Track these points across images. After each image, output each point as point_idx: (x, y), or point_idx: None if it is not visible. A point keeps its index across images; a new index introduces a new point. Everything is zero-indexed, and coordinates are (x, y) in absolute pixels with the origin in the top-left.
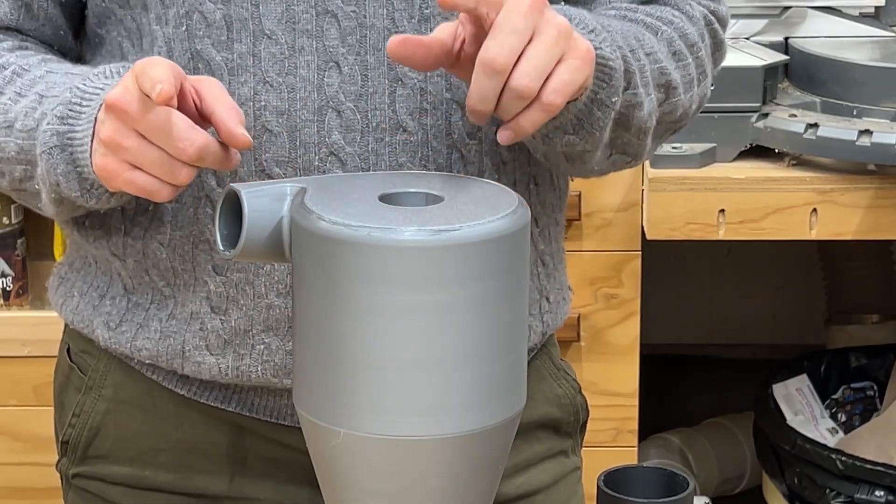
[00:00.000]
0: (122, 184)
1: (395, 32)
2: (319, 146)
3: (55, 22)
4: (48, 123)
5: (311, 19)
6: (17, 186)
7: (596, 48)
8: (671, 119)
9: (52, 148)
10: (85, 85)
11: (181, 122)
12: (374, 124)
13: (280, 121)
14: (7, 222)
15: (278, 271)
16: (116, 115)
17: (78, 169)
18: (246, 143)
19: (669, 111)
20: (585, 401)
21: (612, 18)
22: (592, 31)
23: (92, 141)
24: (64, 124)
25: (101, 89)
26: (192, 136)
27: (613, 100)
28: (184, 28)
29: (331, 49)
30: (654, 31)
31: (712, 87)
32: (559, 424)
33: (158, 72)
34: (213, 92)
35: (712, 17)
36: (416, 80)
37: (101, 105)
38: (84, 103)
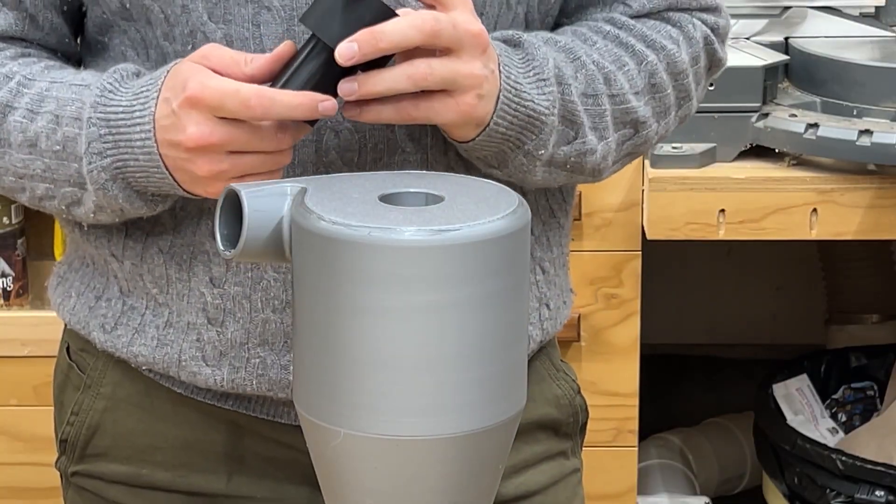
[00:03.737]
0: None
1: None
2: (317, 166)
3: (60, 31)
4: (90, 163)
5: (282, 34)
6: (35, 204)
7: (528, 101)
8: (644, 147)
9: (105, 182)
10: (103, 113)
11: (262, 129)
12: (371, 144)
13: None
14: (7, 222)
15: (274, 287)
16: (204, 151)
17: (137, 189)
18: (332, 106)
19: (641, 142)
20: (585, 402)
21: (600, 40)
22: (544, 80)
23: (167, 168)
24: (105, 157)
25: (123, 109)
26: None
27: (540, 152)
28: (190, 46)
29: None
30: (640, 61)
31: (711, 88)
32: (558, 425)
33: (287, 94)
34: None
35: (713, 37)
36: None
37: (152, 134)
38: (114, 131)
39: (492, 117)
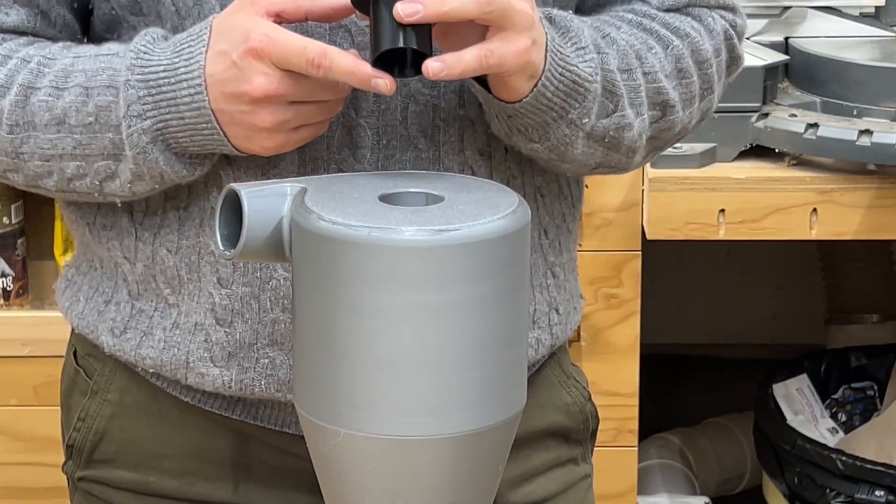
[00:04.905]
0: (292, 145)
1: None
2: (328, 162)
3: (71, 27)
4: (129, 126)
5: (325, 33)
6: (64, 187)
7: (573, 66)
8: (668, 135)
9: (145, 146)
10: (142, 75)
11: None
12: (384, 141)
13: None
14: (7, 222)
15: (284, 287)
16: (269, 101)
17: (176, 151)
18: (385, 85)
19: (666, 128)
20: (595, 408)
21: (625, 25)
22: (583, 48)
23: (219, 124)
24: (145, 119)
25: (164, 67)
26: (337, 75)
27: (584, 121)
28: None
29: None
30: (665, 45)
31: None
32: (568, 432)
33: (346, 59)
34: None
35: (732, 32)
36: (429, 97)
37: (202, 89)
38: (154, 91)
39: (541, 75)
